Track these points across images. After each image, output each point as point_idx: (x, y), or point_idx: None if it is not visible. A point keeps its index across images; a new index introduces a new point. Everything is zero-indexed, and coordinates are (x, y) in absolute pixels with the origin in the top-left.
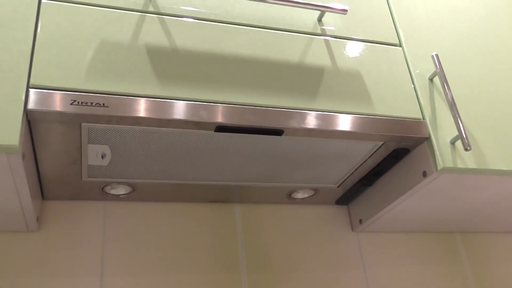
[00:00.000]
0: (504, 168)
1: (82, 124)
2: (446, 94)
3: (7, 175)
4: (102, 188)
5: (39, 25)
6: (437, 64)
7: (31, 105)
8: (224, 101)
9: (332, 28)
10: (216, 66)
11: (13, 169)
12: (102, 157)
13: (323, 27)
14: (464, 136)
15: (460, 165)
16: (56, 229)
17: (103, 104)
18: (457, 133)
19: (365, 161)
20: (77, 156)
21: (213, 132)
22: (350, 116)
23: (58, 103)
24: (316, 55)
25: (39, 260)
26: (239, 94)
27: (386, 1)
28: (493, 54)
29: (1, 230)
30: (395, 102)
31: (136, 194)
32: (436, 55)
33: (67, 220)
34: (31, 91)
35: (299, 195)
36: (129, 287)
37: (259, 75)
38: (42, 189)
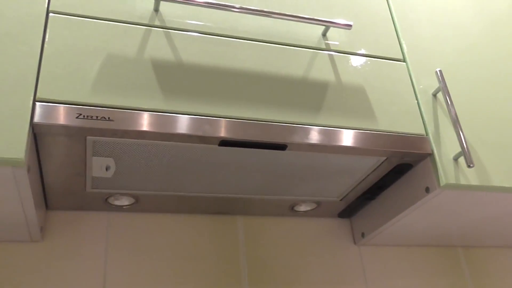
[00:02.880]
0: (507, 185)
1: (87, 137)
2: (449, 110)
3: (12, 187)
4: (106, 199)
5: (46, 39)
6: (441, 80)
7: (37, 119)
8: (228, 116)
9: (337, 43)
10: (220, 80)
11: (18, 181)
12: (107, 169)
13: (328, 42)
14: (467, 152)
15: (463, 181)
16: (59, 240)
17: (108, 118)
18: (460, 149)
19: (367, 175)
20: (81, 168)
21: (217, 146)
22: (353, 131)
23: (63, 116)
24: (320, 70)
25: (42, 270)
26: (243, 109)
27: (390, 17)
28: (497, 70)
29: (5, 240)
30: (399, 118)
31: (139, 205)
32: (440, 71)
33: (71, 231)
34: (37, 104)
35: (302, 208)
36: None
37: (263, 89)
38: (46, 199)
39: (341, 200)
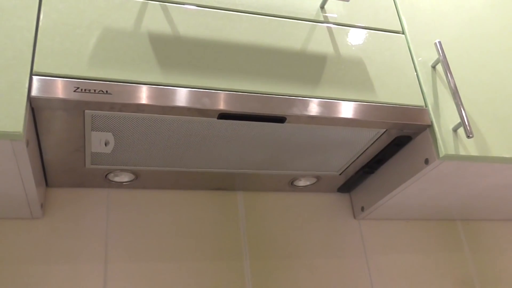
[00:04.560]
0: (506, 155)
1: (86, 111)
2: (448, 82)
3: (11, 162)
4: (106, 176)
5: (42, 12)
6: (440, 52)
7: (34, 92)
8: (227, 89)
9: (335, 15)
10: (218, 53)
11: (17, 156)
12: (106, 144)
13: (326, 15)
14: (466, 123)
15: (462, 152)
16: (60, 216)
17: (106, 91)
18: (459, 120)
19: (367, 148)
20: (80, 143)
21: (215, 119)
22: (352, 103)
23: (61, 90)
24: (319, 43)
25: (43, 247)
26: (242, 82)
27: None
28: (496, 41)
29: (6, 217)
30: (398, 90)
31: (139, 181)
32: (439, 42)
33: (71, 207)
34: (35, 78)
35: (301, 182)
36: (133, 273)
37: (261, 62)
38: (46, 176)
39: (340, 174)
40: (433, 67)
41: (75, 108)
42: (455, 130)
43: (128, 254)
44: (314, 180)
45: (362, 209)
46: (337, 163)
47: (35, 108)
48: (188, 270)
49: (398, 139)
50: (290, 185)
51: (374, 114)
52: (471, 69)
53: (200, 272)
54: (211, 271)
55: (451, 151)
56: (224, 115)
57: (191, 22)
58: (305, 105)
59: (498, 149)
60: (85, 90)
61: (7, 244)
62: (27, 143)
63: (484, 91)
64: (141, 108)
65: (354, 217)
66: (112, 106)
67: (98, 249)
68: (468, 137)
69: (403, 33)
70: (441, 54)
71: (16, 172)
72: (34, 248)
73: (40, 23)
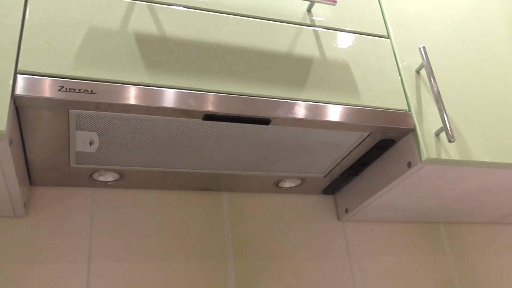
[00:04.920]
0: (487, 160)
1: (70, 110)
2: (432, 87)
3: None
4: (90, 175)
5: (28, 10)
6: (424, 57)
7: (18, 91)
8: (213, 90)
9: (321, 18)
10: (205, 54)
11: (0, 154)
12: (90, 144)
13: (313, 18)
14: (448, 128)
15: (444, 156)
16: (43, 215)
17: (91, 91)
18: (441, 125)
19: (351, 151)
20: (65, 142)
21: (201, 120)
22: (337, 106)
23: (46, 89)
24: (305, 46)
25: (26, 245)
26: (228, 83)
27: None
28: (480, 47)
29: None
30: (382, 94)
31: (124, 181)
32: (424, 47)
33: (55, 206)
34: (19, 76)
35: (286, 184)
36: (116, 273)
37: (247, 64)
38: (30, 175)
39: (325, 176)
40: (417, 71)
41: (59, 107)
42: (437, 134)
43: (112, 254)
44: (299, 181)
45: (346, 211)
46: (322, 165)
47: (19, 107)
48: (172, 270)
49: (382, 142)
50: (275, 186)
51: (358, 117)
52: (454, 75)
53: (184, 273)
54: (195, 272)
55: (433, 155)
56: (209, 116)
57: (178, 23)
58: (290, 107)
59: (479, 154)
60: (70, 89)
61: None
62: (10, 142)
63: (466, 96)
64: (126, 108)
65: (338, 219)
66: (97, 106)
67: (81, 248)
68: (449, 141)
69: (388, 37)
70: (425, 59)
71: None
72: (17, 247)
73: (26, 21)
